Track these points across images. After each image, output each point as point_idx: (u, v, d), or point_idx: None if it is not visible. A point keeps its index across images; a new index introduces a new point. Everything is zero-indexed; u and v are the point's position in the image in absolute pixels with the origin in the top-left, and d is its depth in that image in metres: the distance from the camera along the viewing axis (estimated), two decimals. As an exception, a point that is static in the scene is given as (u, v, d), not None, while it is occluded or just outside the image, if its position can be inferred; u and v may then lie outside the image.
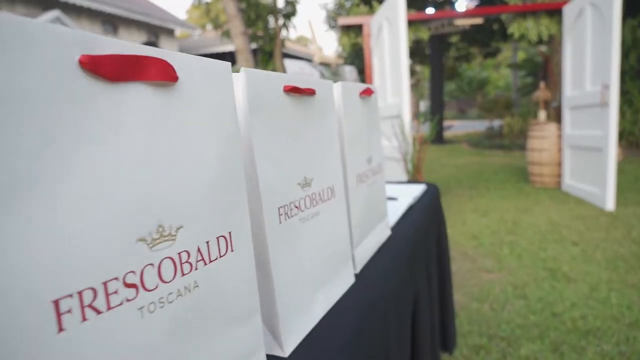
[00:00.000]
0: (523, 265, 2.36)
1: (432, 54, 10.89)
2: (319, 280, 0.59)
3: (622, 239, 2.70)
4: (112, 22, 15.63)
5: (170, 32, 17.93)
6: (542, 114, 4.82)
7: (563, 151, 4.21)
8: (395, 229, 1.01)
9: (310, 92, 0.58)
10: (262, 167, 0.47)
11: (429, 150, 9.31)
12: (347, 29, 4.60)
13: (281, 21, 8.97)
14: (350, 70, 2.61)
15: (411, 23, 4.77)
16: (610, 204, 3.39)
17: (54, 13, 10.62)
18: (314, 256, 0.58)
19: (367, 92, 0.80)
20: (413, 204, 1.26)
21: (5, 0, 12.00)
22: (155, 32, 17.33)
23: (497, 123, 12.75)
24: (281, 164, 0.51)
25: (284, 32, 9.29)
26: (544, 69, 8.27)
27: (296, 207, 0.54)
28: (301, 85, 0.56)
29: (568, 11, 3.94)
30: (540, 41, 4.92)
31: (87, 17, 14.57)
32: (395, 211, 1.14)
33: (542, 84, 5.00)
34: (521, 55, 17.78)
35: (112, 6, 14.83)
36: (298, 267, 0.54)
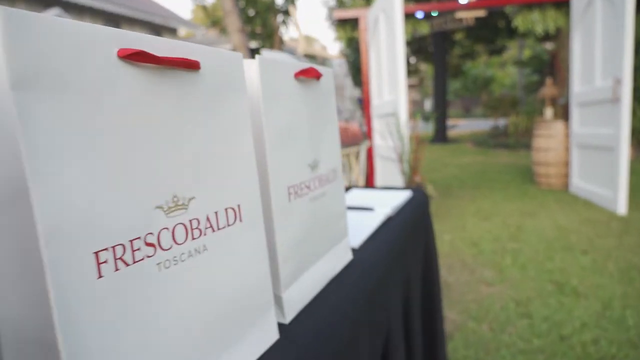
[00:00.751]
0: (527, 277, 2.14)
1: (435, 51, 10.64)
2: (202, 354, 0.38)
3: (637, 246, 2.48)
4: (114, 21, 15.63)
5: (172, 31, 17.87)
6: (548, 112, 4.59)
7: (571, 150, 3.98)
8: (362, 250, 0.81)
9: (186, 65, 0.38)
10: (47, 184, 0.27)
11: (432, 149, 9.08)
12: (343, 23, 4.39)
13: (280, 18, 8.76)
14: (339, 64, 2.38)
15: (410, 16, 4.55)
16: (622, 207, 3.16)
17: (55, 11, 10.52)
18: (193, 318, 0.38)
19: (310, 74, 0.59)
20: (392, 215, 1.06)
21: (6, -1, 11.95)
22: (158, 30, 17.27)
23: (502, 122, 12.49)
24: (115, 174, 0.31)
25: (283, 30, 9.09)
26: (550, 65, 8.01)
27: (149, 244, 0.34)
28: (159, 51, 0.36)
29: (576, 2, 3.70)
30: (546, 36, 4.68)
31: (89, 15, 14.56)
32: (367, 226, 0.94)
33: (548, 80, 4.76)
34: (527, 53, 17.47)
35: (114, 5, 14.81)
36: (151, 343, 0.33)
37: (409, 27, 4.39)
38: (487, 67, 24.41)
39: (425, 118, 13.59)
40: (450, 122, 15.19)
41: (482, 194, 4.23)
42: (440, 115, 10.84)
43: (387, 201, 1.15)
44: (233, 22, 7.23)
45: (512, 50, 20.47)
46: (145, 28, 16.72)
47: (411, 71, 15.61)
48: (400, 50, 3.21)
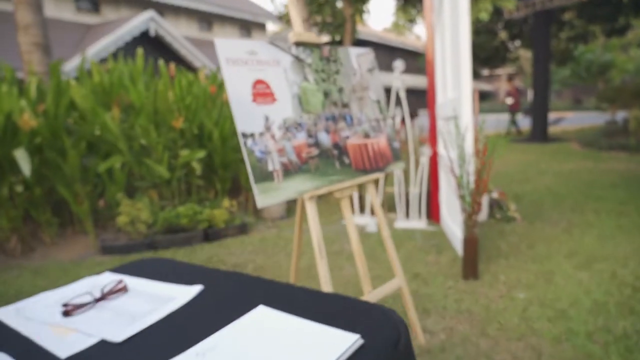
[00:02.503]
0: (648, 404, 1.27)
1: (536, 34, 9.10)
2: None
3: None
4: (207, 20, 16.32)
5: (262, 27, 18.20)
6: (690, 109, 3.34)
7: None
8: None
9: None
10: None
11: (526, 150, 7.75)
12: (404, 3, 3.59)
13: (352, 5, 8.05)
14: (360, 54, 1.65)
15: (492, -10, 3.59)
16: None
17: (149, 13, 10.98)
18: None
19: None
20: None
21: (112, 2, 12.90)
22: (248, 27, 17.69)
23: (621, 116, 10.43)
24: None
25: (357, 18, 8.37)
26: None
27: None
28: None
29: None
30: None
31: (185, 15, 15.32)
32: None
33: (691, 66, 3.48)
34: (659, 32, 14.55)
35: (207, 4, 15.48)
36: None
37: (486, 3, 3.46)
38: (605, 50, 21.06)
39: (525, 111, 11.94)
40: (553, 115, 13.19)
41: (585, 220, 3.18)
42: (540, 108, 9.30)
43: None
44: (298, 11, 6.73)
45: (639, 30, 17.30)
46: (236, 25, 17.22)
47: (510, 59, 13.90)
48: (465, 31, 2.38)
